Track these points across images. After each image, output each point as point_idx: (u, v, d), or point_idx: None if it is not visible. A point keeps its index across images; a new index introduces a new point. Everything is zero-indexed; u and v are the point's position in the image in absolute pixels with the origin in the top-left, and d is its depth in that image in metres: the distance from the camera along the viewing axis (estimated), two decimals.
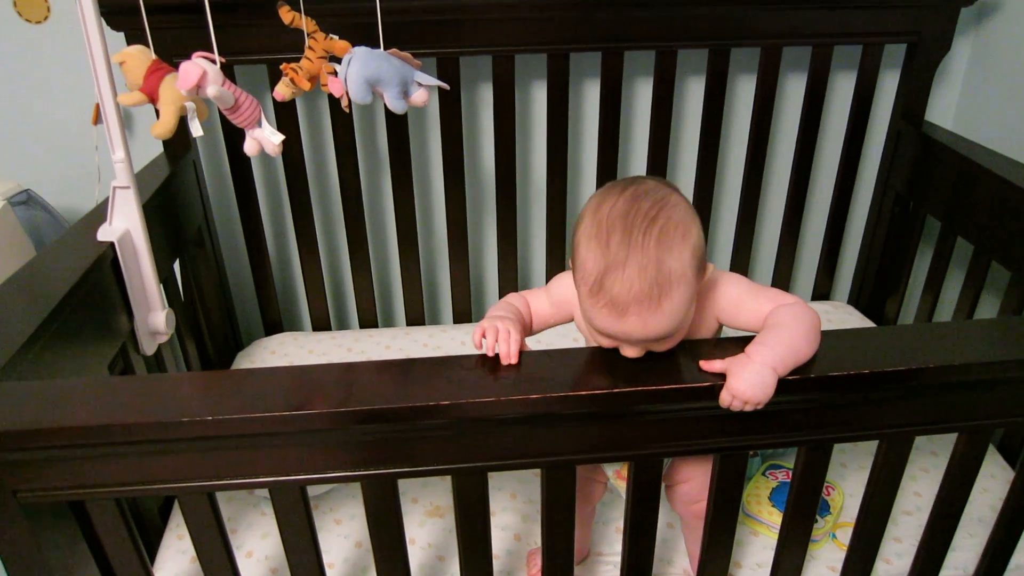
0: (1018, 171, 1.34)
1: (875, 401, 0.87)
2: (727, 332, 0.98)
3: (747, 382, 0.77)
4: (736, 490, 0.92)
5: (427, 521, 1.18)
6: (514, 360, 0.82)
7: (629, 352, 0.84)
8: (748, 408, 0.78)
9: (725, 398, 0.79)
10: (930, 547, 1.03)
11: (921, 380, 0.83)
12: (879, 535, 1.01)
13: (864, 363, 0.82)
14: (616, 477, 1.03)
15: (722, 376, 0.79)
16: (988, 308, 1.57)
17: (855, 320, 1.70)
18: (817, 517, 1.16)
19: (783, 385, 0.79)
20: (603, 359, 0.84)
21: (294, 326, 1.86)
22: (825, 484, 1.22)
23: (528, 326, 0.97)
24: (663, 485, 1.08)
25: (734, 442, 0.87)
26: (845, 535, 1.14)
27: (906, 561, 1.09)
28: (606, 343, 0.86)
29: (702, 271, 0.84)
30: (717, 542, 0.97)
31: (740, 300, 0.92)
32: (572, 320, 1.01)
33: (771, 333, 0.82)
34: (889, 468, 0.94)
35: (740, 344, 0.82)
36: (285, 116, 1.50)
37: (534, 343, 0.91)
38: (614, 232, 0.80)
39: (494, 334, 0.84)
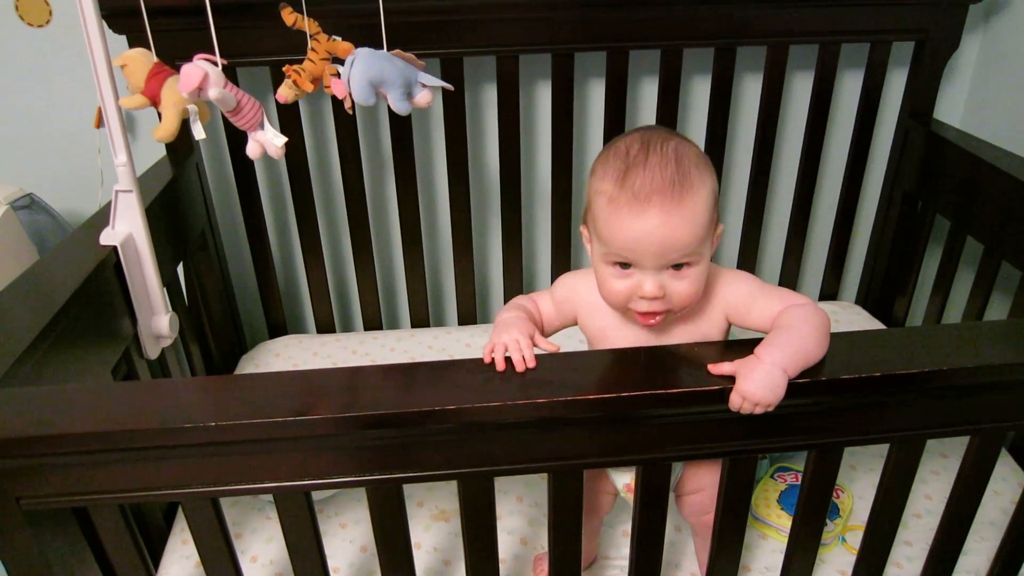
0: None
1: (885, 404, 0.86)
2: (734, 333, 0.97)
3: (757, 383, 0.76)
4: (745, 494, 0.91)
5: (433, 525, 1.18)
6: (531, 364, 0.81)
7: (648, 285, 0.84)
8: (758, 410, 0.77)
9: (735, 400, 0.78)
10: (941, 551, 1.01)
11: (932, 383, 0.82)
12: (890, 539, 1.00)
13: (874, 366, 0.80)
14: (626, 491, 1.02)
15: (731, 379, 0.78)
16: (998, 308, 1.55)
17: (863, 321, 1.69)
18: (826, 520, 1.15)
19: (792, 388, 0.78)
20: (609, 362, 0.83)
21: (298, 328, 1.85)
22: (835, 487, 1.21)
23: (540, 325, 0.96)
24: (673, 495, 1.08)
25: (743, 446, 0.86)
26: (855, 538, 1.13)
27: (917, 565, 1.08)
28: (620, 286, 0.86)
29: (716, 208, 0.86)
30: (726, 546, 0.96)
31: (750, 298, 0.91)
32: (575, 323, 1.00)
33: (781, 334, 0.82)
34: (899, 472, 0.93)
35: (749, 346, 0.81)
36: (288, 118, 1.49)
37: None
38: (632, 145, 0.85)
39: (502, 350, 0.81)
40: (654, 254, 0.83)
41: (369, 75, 0.99)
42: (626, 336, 0.94)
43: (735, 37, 1.48)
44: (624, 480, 1.02)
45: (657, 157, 0.83)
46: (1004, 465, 1.28)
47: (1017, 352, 0.84)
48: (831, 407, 0.85)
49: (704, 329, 0.94)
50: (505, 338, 0.83)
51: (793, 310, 0.85)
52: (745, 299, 0.91)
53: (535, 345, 0.85)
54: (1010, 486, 1.23)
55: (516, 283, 1.69)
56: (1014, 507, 1.00)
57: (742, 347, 0.82)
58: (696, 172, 0.83)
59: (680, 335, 0.94)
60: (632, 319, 0.91)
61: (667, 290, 0.86)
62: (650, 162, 0.82)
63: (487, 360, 0.82)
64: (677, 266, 0.85)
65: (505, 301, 1.71)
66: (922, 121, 1.57)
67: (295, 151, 1.52)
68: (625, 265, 0.87)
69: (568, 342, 1.33)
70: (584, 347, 0.96)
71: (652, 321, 0.89)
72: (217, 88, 0.94)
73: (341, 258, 1.77)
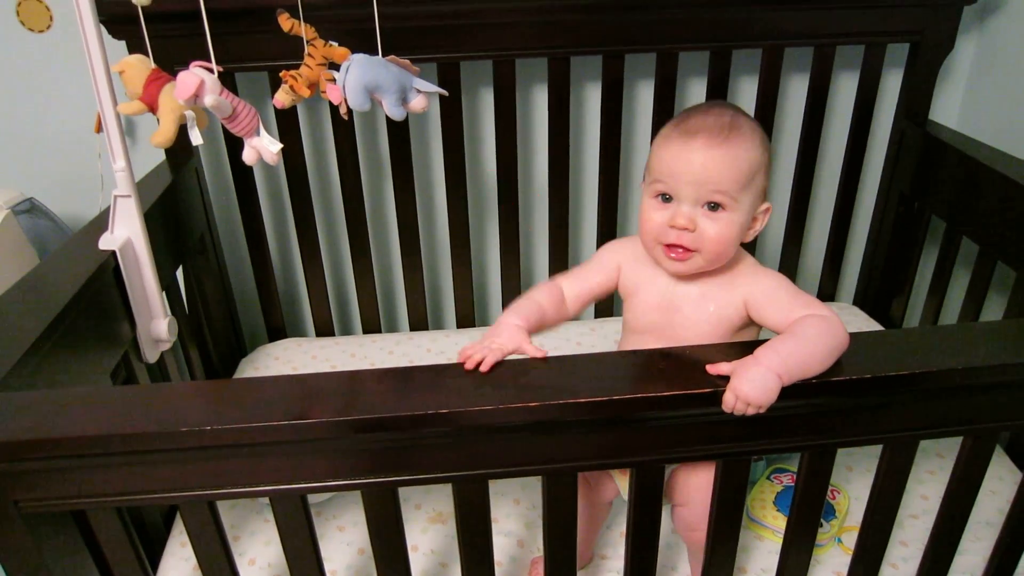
0: (1023, 170, 1.33)
1: (879, 405, 0.87)
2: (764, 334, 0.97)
3: (750, 383, 0.77)
4: (739, 496, 0.91)
5: (430, 528, 1.18)
6: (483, 370, 0.81)
7: (680, 214, 0.90)
8: (750, 411, 0.78)
9: (728, 398, 0.78)
10: (936, 551, 1.02)
11: (922, 385, 0.82)
12: (884, 540, 1.00)
13: (867, 368, 0.81)
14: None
15: (726, 380, 0.79)
16: (994, 308, 1.56)
17: (861, 322, 1.69)
18: (822, 521, 1.16)
19: (785, 390, 0.78)
20: (602, 365, 0.84)
21: (298, 332, 1.86)
22: (831, 488, 1.22)
23: (555, 318, 0.99)
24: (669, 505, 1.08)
25: (736, 448, 0.87)
26: (851, 539, 1.13)
27: (913, 565, 1.08)
28: (658, 217, 0.92)
29: (763, 177, 0.93)
30: (721, 548, 0.96)
31: (774, 294, 0.92)
32: (615, 286, 1.04)
33: (788, 342, 0.82)
34: (893, 472, 0.93)
35: (749, 348, 0.82)
36: (287, 123, 1.50)
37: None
38: (695, 108, 0.94)
39: (477, 359, 0.82)
40: (690, 182, 0.90)
41: (364, 81, 1.00)
42: (656, 288, 0.99)
43: (730, 40, 1.48)
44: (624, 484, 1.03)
45: (717, 110, 0.92)
46: (1001, 465, 1.28)
47: (1009, 352, 0.84)
48: (824, 408, 0.85)
49: (721, 303, 0.95)
50: (486, 343, 0.85)
51: (811, 320, 0.84)
52: (768, 293, 0.92)
53: (522, 352, 0.86)
54: (1007, 486, 1.24)
55: (514, 286, 1.70)
56: (1009, 506, 1.00)
57: (743, 348, 0.83)
58: (751, 133, 0.91)
59: (697, 301, 0.96)
60: (664, 264, 0.96)
61: (698, 226, 0.91)
62: (709, 112, 0.91)
63: (460, 359, 0.84)
64: (712, 207, 0.91)
65: (504, 304, 1.72)
66: (918, 122, 1.58)
67: (294, 155, 1.53)
68: (667, 199, 0.93)
69: (565, 345, 1.33)
70: (580, 350, 0.96)
71: (681, 256, 0.93)
72: (213, 95, 0.95)
73: (340, 261, 1.78)
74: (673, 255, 0.93)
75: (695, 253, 0.92)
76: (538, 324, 0.95)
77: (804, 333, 0.82)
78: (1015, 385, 0.87)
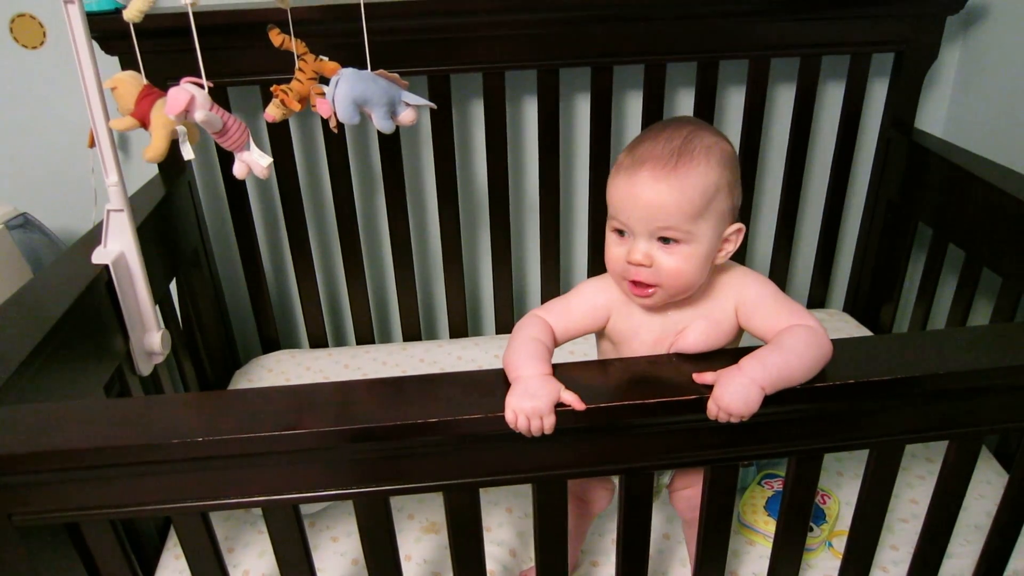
0: (1008, 178, 1.34)
1: (865, 410, 0.88)
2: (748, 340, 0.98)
3: (731, 394, 0.78)
4: (728, 501, 0.92)
5: (423, 537, 1.19)
6: (549, 432, 0.79)
7: (636, 250, 0.87)
8: (733, 420, 0.79)
9: (711, 409, 0.79)
10: (925, 555, 1.03)
11: (909, 390, 0.83)
12: (873, 544, 1.01)
13: (852, 373, 0.82)
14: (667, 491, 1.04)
15: (710, 388, 0.80)
16: (981, 314, 1.57)
17: (850, 328, 1.70)
18: (813, 526, 1.16)
19: (773, 396, 0.79)
20: (589, 374, 0.85)
21: (291, 343, 1.86)
22: (821, 492, 1.23)
23: (552, 350, 0.92)
24: (667, 491, 1.09)
25: (725, 454, 0.88)
26: (841, 543, 1.14)
27: (903, 569, 1.09)
28: (616, 252, 0.89)
29: (724, 201, 0.88)
30: (711, 553, 0.97)
31: (761, 301, 0.91)
32: (603, 327, 0.98)
33: (771, 351, 0.82)
34: (881, 477, 0.94)
35: (734, 357, 0.83)
36: (279, 136, 1.51)
37: None
38: (651, 130, 0.90)
39: (526, 423, 0.78)
40: (640, 218, 0.86)
41: (353, 95, 1.02)
42: (653, 331, 0.94)
43: (717, 51, 1.50)
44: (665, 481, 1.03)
45: (668, 133, 0.87)
46: (989, 469, 1.29)
47: (993, 357, 0.86)
48: (811, 414, 0.86)
49: (716, 316, 0.93)
50: (527, 407, 0.78)
51: (796, 330, 0.85)
52: (754, 300, 0.91)
53: (560, 402, 0.80)
54: (995, 489, 1.25)
55: (506, 296, 1.71)
56: (996, 509, 1.01)
57: (729, 357, 0.84)
58: (703, 156, 0.86)
59: (695, 323, 0.92)
60: (633, 300, 0.93)
61: (655, 261, 0.87)
62: (660, 136, 0.87)
63: (513, 428, 0.79)
64: (665, 241, 0.87)
65: (496, 314, 1.73)
66: (903, 131, 1.60)
67: (286, 168, 1.54)
68: (622, 232, 0.90)
69: (558, 353, 1.34)
70: (573, 358, 0.96)
71: (644, 293, 0.89)
72: (203, 111, 0.96)
73: (333, 273, 1.79)
74: (636, 292, 0.90)
75: (656, 288, 0.89)
76: (551, 363, 0.87)
77: (790, 344, 0.83)
78: (999, 389, 0.88)
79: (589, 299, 0.96)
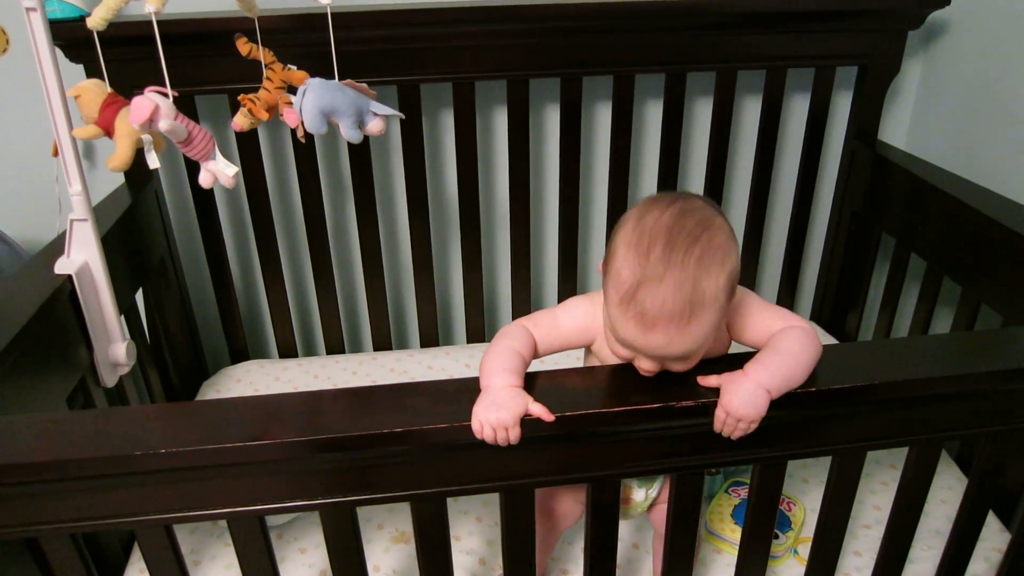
0: (967, 189, 1.37)
1: (827, 417, 0.89)
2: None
3: (741, 399, 0.79)
4: (694, 509, 0.93)
5: (392, 548, 1.18)
6: (514, 442, 0.79)
7: (645, 366, 0.84)
8: (741, 426, 0.80)
9: (719, 415, 0.81)
10: (887, 560, 1.04)
11: (869, 396, 0.85)
12: (836, 550, 1.03)
13: (813, 382, 0.84)
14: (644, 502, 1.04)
15: (692, 392, 0.81)
16: (943, 322, 1.60)
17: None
18: (778, 533, 1.18)
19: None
20: (557, 382, 0.85)
21: (261, 353, 1.85)
22: (787, 500, 1.24)
23: (529, 362, 0.91)
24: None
25: (689, 461, 0.89)
26: (807, 550, 1.15)
27: (866, 574, 1.10)
28: (624, 354, 0.85)
29: (733, 296, 0.85)
30: (678, 561, 0.98)
31: (746, 311, 0.91)
32: (588, 344, 0.97)
33: (773, 356, 0.83)
34: (843, 483, 0.96)
35: (737, 361, 0.84)
36: (248, 145, 1.50)
37: None
38: (655, 245, 0.80)
39: (491, 433, 0.79)
40: (652, 357, 0.83)
41: (320, 104, 1.01)
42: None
43: (685, 63, 1.52)
44: (641, 494, 1.03)
45: (675, 275, 0.79)
46: (950, 475, 1.31)
47: (948, 365, 0.88)
48: (773, 422, 0.87)
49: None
50: (493, 418, 0.78)
51: (791, 332, 0.86)
52: (741, 311, 0.92)
53: (528, 414, 0.80)
54: (956, 495, 1.27)
55: (477, 305, 1.71)
56: (956, 514, 1.03)
57: (729, 362, 0.85)
58: (713, 298, 0.80)
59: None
60: None
61: (666, 367, 0.85)
62: (666, 280, 0.79)
63: (478, 437, 0.79)
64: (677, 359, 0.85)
65: (467, 323, 1.73)
66: (867, 143, 1.62)
67: (255, 177, 1.53)
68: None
69: (533, 364, 1.34)
70: (544, 367, 0.96)
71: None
72: (168, 120, 0.95)
73: (303, 283, 1.78)
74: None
75: None
76: (524, 375, 0.87)
77: (788, 347, 0.84)
78: (958, 396, 0.90)
79: (578, 319, 0.94)
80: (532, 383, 0.85)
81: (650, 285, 0.79)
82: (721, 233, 0.82)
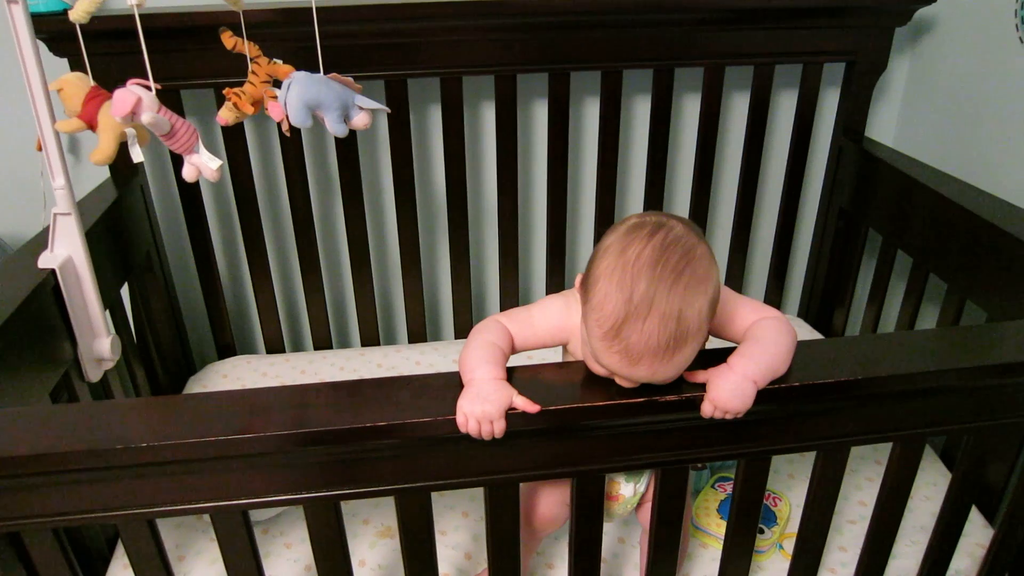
0: (953, 186, 1.38)
1: (811, 412, 0.89)
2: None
3: (728, 392, 0.80)
4: (679, 503, 0.93)
5: (378, 542, 1.18)
6: (499, 436, 0.80)
7: (627, 385, 0.83)
8: (728, 417, 0.81)
9: (707, 408, 0.82)
10: (871, 555, 1.05)
11: (852, 392, 0.85)
12: (821, 545, 1.03)
13: (797, 377, 0.84)
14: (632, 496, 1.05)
15: (681, 387, 0.82)
16: (929, 318, 1.61)
17: (804, 333, 1.73)
18: (763, 528, 1.18)
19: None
20: (542, 376, 0.85)
21: (248, 349, 1.84)
22: (772, 495, 1.25)
23: (509, 356, 0.91)
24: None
25: (674, 456, 0.89)
26: (792, 545, 1.16)
27: (850, 570, 1.11)
28: (604, 373, 0.84)
29: (714, 314, 0.84)
30: (663, 555, 0.98)
31: (724, 308, 0.91)
32: (563, 343, 0.97)
33: (754, 346, 0.85)
34: (827, 478, 0.96)
35: (721, 355, 0.85)
36: (234, 139, 1.50)
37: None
38: (639, 281, 0.78)
39: (476, 427, 0.79)
40: (636, 383, 0.83)
41: (305, 98, 1.01)
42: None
43: (672, 59, 1.52)
44: (629, 488, 1.04)
45: (660, 311, 0.78)
46: (935, 471, 1.32)
47: (933, 360, 0.88)
48: (759, 417, 0.87)
49: None
50: (478, 411, 0.79)
51: (767, 323, 0.88)
52: (720, 312, 0.91)
53: (512, 408, 0.80)
54: (940, 491, 1.27)
55: (465, 300, 1.71)
56: (939, 510, 1.04)
57: (715, 356, 0.86)
58: (696, 319, 0.79)
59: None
60: None
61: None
62: (651, 318, 0.78)
63: (463, 431, 0.79)
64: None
65: (455, 319, 1.73)
66: (855, 139, 1.63)
67: (242, 172, 1.53)
68: None
69: (514, 359, 1.34)
70: (531, 361, 0.96)
71: None
72: (150, 113, 0.94)
73: (290, 278, 1.77)
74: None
75: None
76: (506, 368, 0.87)
77: (767, 337, 0.86)
78: (941, 391, 0.90)
79: (552, 319, 0.94)
80: (515, 377, 0.84)
81: (635, 323, 0.78)
82: (703, 262, 0.81)
